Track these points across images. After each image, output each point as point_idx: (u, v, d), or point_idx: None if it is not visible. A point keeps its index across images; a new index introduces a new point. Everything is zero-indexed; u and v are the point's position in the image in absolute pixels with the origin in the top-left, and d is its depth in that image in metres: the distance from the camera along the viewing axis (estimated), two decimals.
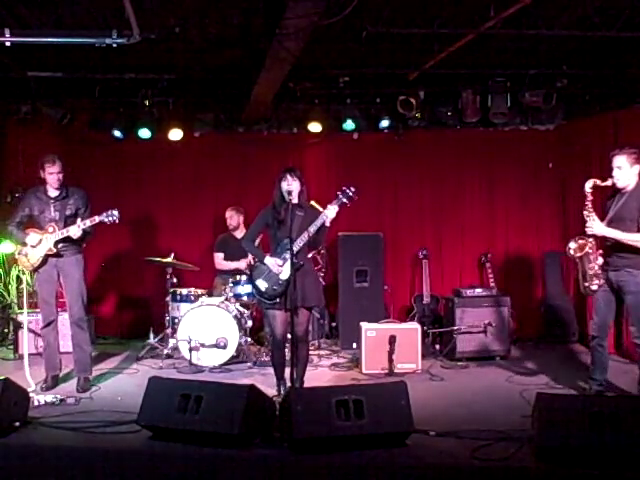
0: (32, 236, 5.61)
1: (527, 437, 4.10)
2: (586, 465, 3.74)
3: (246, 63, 6.75)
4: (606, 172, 7.28)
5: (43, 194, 5.68)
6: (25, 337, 5.78)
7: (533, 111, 8.18)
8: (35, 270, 5.69)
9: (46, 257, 5.59)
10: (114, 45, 5.36)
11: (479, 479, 3.83)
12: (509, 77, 7.70)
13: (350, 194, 5.25)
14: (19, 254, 5.73)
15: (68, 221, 5.64)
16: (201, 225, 8.44)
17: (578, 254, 5.09)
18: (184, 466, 3.97)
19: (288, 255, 5.03)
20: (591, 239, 5.05)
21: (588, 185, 5.07)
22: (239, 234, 7.51)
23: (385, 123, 8.08)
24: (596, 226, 5.00)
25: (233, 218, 7.63)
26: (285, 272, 5.19)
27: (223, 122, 8.37)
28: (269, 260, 5.31)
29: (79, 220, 5.56)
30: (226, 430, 4.08)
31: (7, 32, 5.29)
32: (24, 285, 5.83)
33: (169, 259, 7.10)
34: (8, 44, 5.42)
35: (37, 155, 7.75)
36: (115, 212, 5.56)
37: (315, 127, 8.05)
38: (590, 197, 5.05)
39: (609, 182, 5.07)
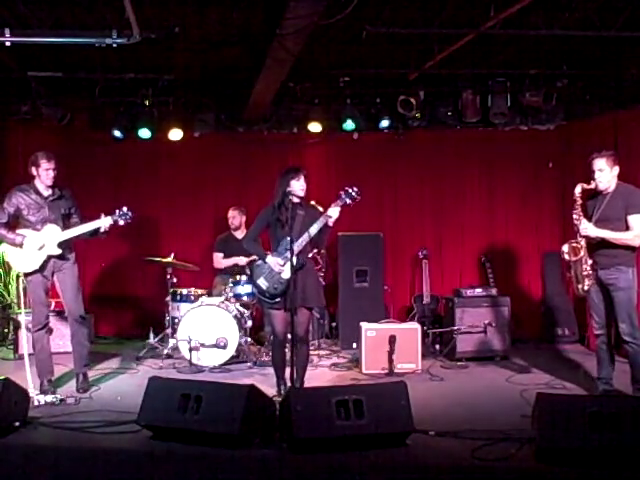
0: (33, 238, 5.41)
1: (527, 437, 4.10)
2: (586, 465, 3.74)
3: (246, 63, 6.76)
4: None
5: (34, 193, 5.48)
6: (24, 337, 5.71)
7: (533, 111, 8.18)
8: (30, 273, 5.48)
9: (47, 260, 5.48)
10: (114, 45, 5.36)
11: (479, 479, 3.83)
12: (509, 77, 7.71)
13: (353, 194, 5.22)
14: (10, 256, 5.48)
15: (65, 221, 5.57)
16: (201, 225, 8.44)
17: (573, 258, 5.16)
18: (184, 466, 3.97)
19: (289, 255, 5.04)
20: (583, 241, 5.12)
21: (578, 190, 5.18)
22: (240, 234, 7.53)
23: (385, 123, 8.07)
24: (590, 228, 5.08)
25: (236, 218, 7.64)
26: (286, 271, 5.17)
27: (223, 122, 8.36)
28: (271, 259, 5.30)
29: (109, 216, 5.54)
30: (226, 430, 4.08)
31: (7, 32, 5.29)
32: (25, 285, 5.69)
33: (169, 259, 7.10)
34: (8, 44, 5.43)
35: None
36: (126, 209, 5.59)
37: (315, 127, 8.05)
38: (580, 201, 5.17)
39: (592, 185, 5.18)
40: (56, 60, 6.74)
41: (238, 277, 7.08)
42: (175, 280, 7.20)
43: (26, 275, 5.54)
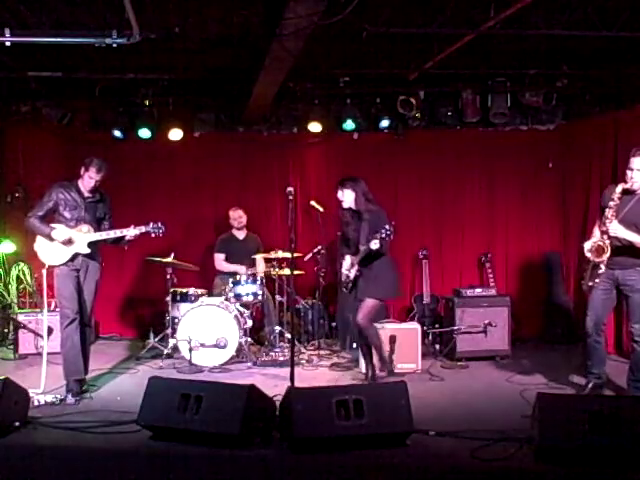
0: (62, 231, 5.43)
1: (527, 437, 4.09)
2: (586, 465, 3.74)
3: (246, 63, 6.76)
4: (606, 172, 7.31)
5: (75, 192, 5.55)
6: (45, 337, 5.65)
7: (533, 111, 8.19)
8: (57, 265, 5.50)
9: (75, 255, 5.50)
10: (114, 45, 5.36)
11: (479, 479, 3.83)
12: (509, 77, 7.71)
13: (389, 232, 5.59)
14: (40, 247, 5.51)
15: (99, 224, 5.64)
16: (201, 225, 8.43)
17: (597, 259, 5.02)
18: (184, 466, 3.97)
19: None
20: (608, 242, 4.98)
21: (619, 189, 4.98)
22: (241, 235, 7.57)
23: (385, 123, 8.08)
24: (620, 230, 4.93)
25: (243, 217, 7.68)
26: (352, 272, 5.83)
27: (223, 122, 8.37)
28: (347, 260, 5.90)
29: (142, 226, 5.63)
30: (226, 430, 4.08)
31: (7, 32, 5.30)
32: (44, 285, 5.69)
33: (169, 259, 7.10)
34: (8, 44, 5.43)
35: (37, 155, 7.86)
36: (160, 224, 5.72)
37: (315, 127, 8.05)
38: (617, 201, 4.97)
39: (628, 184, 4.99)
40: (56, 60, 6.74)
41: (238, 277, 7.08)
42: (175, 280, 7.21)
43: (54, 268, 5.54)
